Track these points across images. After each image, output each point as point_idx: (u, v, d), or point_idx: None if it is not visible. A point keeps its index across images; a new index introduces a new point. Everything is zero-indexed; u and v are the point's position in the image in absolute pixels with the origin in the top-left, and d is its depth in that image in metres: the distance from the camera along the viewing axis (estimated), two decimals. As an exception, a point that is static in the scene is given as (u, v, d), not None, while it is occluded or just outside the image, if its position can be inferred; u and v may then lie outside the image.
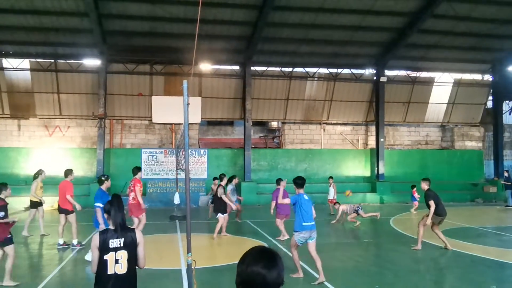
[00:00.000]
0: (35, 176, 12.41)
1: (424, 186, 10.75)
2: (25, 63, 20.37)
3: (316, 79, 22.94)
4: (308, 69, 22.55)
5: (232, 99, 22.19)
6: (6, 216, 6.98)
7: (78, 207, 10.50)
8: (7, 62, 20.30)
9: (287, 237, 11.35)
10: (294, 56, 21.21)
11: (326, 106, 23.45)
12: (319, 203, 20.37)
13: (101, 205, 7.81)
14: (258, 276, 1.84)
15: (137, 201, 10.32)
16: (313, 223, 7.47)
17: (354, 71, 22.88)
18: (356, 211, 14.22)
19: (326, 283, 7.23)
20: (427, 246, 10.68)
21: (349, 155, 23.61)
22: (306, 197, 7.61)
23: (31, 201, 12.35)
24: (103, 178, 8.92)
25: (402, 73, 23.55)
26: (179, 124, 20.91)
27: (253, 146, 22.35)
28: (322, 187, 21.35)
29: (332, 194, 16.96)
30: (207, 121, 23.92)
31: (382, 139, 22.28)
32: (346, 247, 10.65)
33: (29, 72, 20.50)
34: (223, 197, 11.73)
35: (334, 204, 15.72)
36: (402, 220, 15.79)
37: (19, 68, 20.34)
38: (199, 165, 21.25)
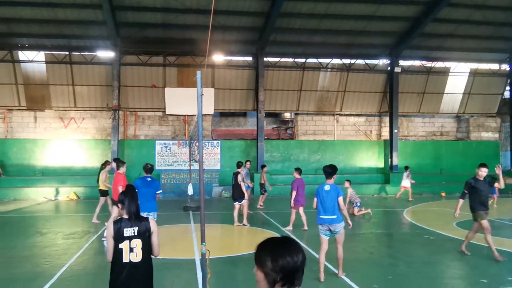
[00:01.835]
0: (102, 167, 12.80)
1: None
2: (41, 55, 20.60)
3: (329, 69, 22.78)
4: (321, 60, 22.40)
5: (245, 90, 22.17)
6: None
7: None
8: (23, 55, 20.55)
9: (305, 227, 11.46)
10: (307, 46, 21.07)
11: (339, 97, 23.30)
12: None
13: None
14: (302, 265, 1.94)
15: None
16: (332, 216, 6.89)
17: (368, 61, 22.68)
18: (352, 204, 13.89)
19: (342, 276, 7.23)
20: (442, 238, 10.62)
21: (363, 146, 23.48)
22: (327, 188, 7.03)
23: (100, 190, 12.74)
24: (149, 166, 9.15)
25: (416, 63, 23.27)
26: (192, 115, 21.02)
27: (266, 137, 22.35)
28: (336, 179, 21.29)
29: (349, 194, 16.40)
30: (220, 113, 23.95)
31: (396, 130, 22.10)
32: (359, 239, 10.63)
33: (44, 64, 20.73)
34: (242, 184, 11.83)
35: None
36: (416, 211, 15.69)
37: (34, 60, 20.57)
38: (212, 156, 21.36)
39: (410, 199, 18.55)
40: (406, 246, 9.95)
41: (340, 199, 6.96)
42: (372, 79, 23.12)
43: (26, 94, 21.09)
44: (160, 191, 9.15)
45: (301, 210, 11.50)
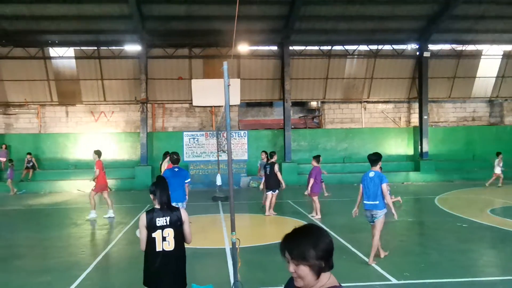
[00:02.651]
0: (164, 158, 13.25)
1: None
2: (70, 51, 21.06)
3: (355, 56, 22.44)
4: (347, 47, 22.06)
5: (270, 80, 22.11)
6: None
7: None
8: (53, 51, 21.06)
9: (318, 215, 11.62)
10: (332, 34, 20.77)
11: (366, 84, 22.95)
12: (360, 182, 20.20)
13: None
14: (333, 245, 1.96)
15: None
16: (374, 202, 7.11)
17: (396, 47, 22.19)
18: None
19: (372, 264, 7.19)
20: (476, 225, 10.40)
21: (391, 133, 23.10)
22: (371, 174, 7.24)
23: None
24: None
25: (446, 47, 22.59)
26: (219, 106, 21.14)
27: (292, 127, 22.28)
28: (363, 166, 21.08)
29: None
30: (246, 103, 24.01)
31: (425, 116, 21.63)
32: (389, 227, 10.50)
33: (74, 60, 21.20)
34: (279, 174, 11.92)
35: None
36: (448, 198, 15.37)
37: (64, 56, 21.06)
38: (240, 146, 21.44)
39: (500, 184, 18.23)
40: (438, 234, 9.79)
41: (384, 186, 7.08)
42: (400, 64, 22.64)
43: (58, 89, 21.64)
44: (189, 179, 9.29)
45: (316, 198, 11.65)
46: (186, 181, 9.12)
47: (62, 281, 6.56)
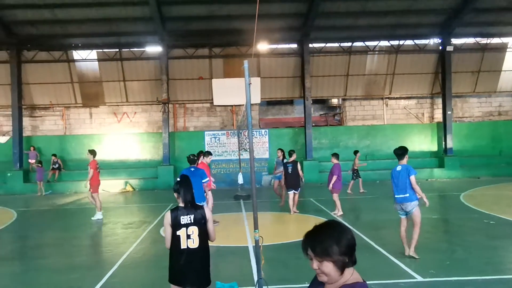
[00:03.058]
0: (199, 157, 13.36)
1: None
2: (93, 54, 21.43)
3: (376, 52, 22.17)
4: (368, 43, 21.82)
5: (291, 78, 22.05)
6: None
7: (213, 186, 11.05)
8: (77, 54, 21.46)
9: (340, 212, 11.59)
10: (352, 30, 20.58)
11: (388, 80, 22.66)
12: (384, 179, 20.00)
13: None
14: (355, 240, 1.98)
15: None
16: (404, 195, 7.21)
17: (417, 41, 21.83)
18: None
19: (395, 260, 7.12)
20: (504, 222, 10.17)
21: (414, 129, 22.76)
22: (399, 168, 7.38)
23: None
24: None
25: (470, 40, 22.11)
26: (240, 105, 21.22)
27: (313, 124, 22.17)
28: (387, 163, 20.88)
29: None
30: (266, 101, 24.00)
31: (449, 112, 21.25)
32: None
33: (97, 62, 21.57)
34: (301, 173, 11.90)
35: None
36: (474, 195, 15.07)
37: (88, 59, 21.44)
38: (261, 145, 21.46)
39: None
40: (464, 230, 9.62)
41: (412, 178, 7.20)
42: (422, 59, 22.27)
43: (82, 91, 22.05)
44: (206, 179, 9.41)
45: (337, 195, 11.63)
46: (203, 181, 9.23)
47: (89, 278, 6.70)
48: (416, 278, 6.28)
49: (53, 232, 10.86)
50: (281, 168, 13.10)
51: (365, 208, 12.94)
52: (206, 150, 11.56)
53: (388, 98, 23.22)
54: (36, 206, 15.76)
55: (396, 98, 23.31)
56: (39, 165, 19.50)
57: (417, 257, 7.19)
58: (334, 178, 11.45)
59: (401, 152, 7.49)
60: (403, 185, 7.22)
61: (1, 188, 19.29)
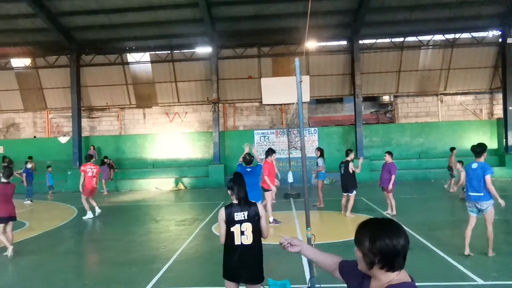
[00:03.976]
0: (267, 154, 13.65)
1: None
2: (146, 56, 22.16)
3: (430, 47, 21.42)
4: (421, 37, 21.12)
5: (340, 75, 21.76)
6: None
7: (277, 183, 11.11)
8: (131, 57, 22.27)
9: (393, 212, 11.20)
10: (405, 24, 19.97)
11: (443, 76, 21.83)
12: (439, 178, 19.30)
13: None
14: (403, 249, 1.87)
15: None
16: (479, 194, 6.97)
17: (475, 34, 20.87)
18: (463, 188, 12.80)
19: (452, 261, 6.85)
20: None
21: (471, 126, 21.76)
22: (475, 165, 7.11)
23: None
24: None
25: (533, 31, 20.85)
26: (289, 104, 21.17)
27: (364, 122, 21.76)
28: (441, 162, 20.15)
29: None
30: (316, 100, 23.81)
31: (511, 107, 20.12)
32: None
33: (150, 64, 22.28)
34: (356, 170, 11.29)
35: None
36: (538, 195, 14.19)
37: (141, 61, 22.19)
38: (310, 143, 21.29)
39: None
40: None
41: (488, 177, 6.93)
42: (480, 53, 21.26)
43: (135, 93, 22.87)
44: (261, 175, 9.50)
45: (392, 194, 11.27)
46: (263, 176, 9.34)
47: (145, 273, 6.93)
48: (477, 281, 6.01)
49: (111, 228, 11.34)
50: (318, 167, 13.22)
51: (419, 208, 12.53)
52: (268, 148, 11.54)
53: (443, 94, 22.37)
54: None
55: (452, 94, 22.40)
56: (104, 164, 20.05)
57: (490, 254, 7.09)
58: (393, 177, 11.04)
59: (479, 149, 7.15)
60: (478, 184, 6.98)
61: (62, 186, 20.31)
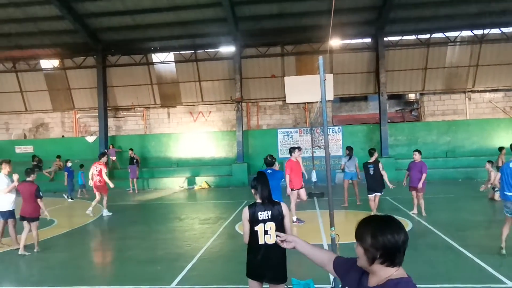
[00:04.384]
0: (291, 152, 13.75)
1: None
2: (170, 56, 22.39)
3: (458, 43, 20.95)
4: (448, 34, 20.67)
5: (365, 73, 21.51)
6: None
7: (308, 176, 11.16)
8: (155, 57, 22.55)
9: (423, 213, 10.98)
10: (431, 21, 19.58)
11: (471, 72, 21.32)
12: (466, 178, 18.89)
13: None
14: (403, 245, 1.94)
15: (103, 182, 13.05)
16: None
17: (505, 29, 20.29)
18: (494, 189, 12.43)
19: (481, 262, 6.69)
20: None
21: (501, 125, 21.16)
22: None
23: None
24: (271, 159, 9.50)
25: None
26: (312, 102, 21.05)
27: (389, 121, 21.45)
28: (469, 161, 19.74)
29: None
30: (340, 98, 23.59)
31: (542, 105, 19.53)
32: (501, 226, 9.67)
33: (174, 64, 22.51)
34: (384, 174, 10.91)
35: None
36: None
37: (165, 61, 22.44)
38: (334, 142, 21.15)
39: None
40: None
41: None
42: (510, 49, 20.66)
43: (160, 92, 23.15)
44: (283, 179, 9.25)
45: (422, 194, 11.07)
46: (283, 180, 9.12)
47: (171, 271, 7.01)
48: (506, 284, 5.85)
49: (136, 226, 11.50)
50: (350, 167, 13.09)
51: (446, 208, 12.28)
52: (292, 146, 11.37)
53: (471, 91, 21.84)
54: (121, 201, 16.75)
55: (480, 91, 21.86)
56: (131, 155, 20.17)
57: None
58: (424, 176, 10.83)
59: None
60: None
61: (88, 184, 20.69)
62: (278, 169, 9.69)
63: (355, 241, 2.05)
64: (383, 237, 1.92)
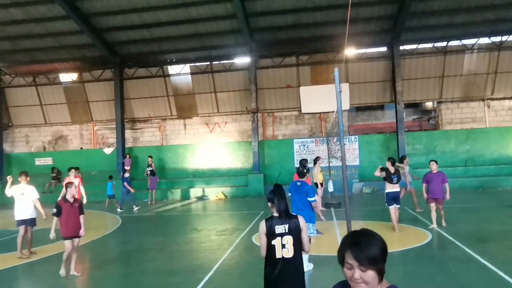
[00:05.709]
0: (315, 162, 13.89)
1: None
2: (186, 68, 22.63)
3: (475, 51, 20.70)
4: (465, 41, 20.46)
5: (381, 82, 21.38)
6: None
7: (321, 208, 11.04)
8: (171, 69, 22.81)
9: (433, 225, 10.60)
10: (448, 28, 19.43)
11: (489, 80, 21.02)
12: (487, 187, 18.55)
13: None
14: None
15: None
16: None
17: (523, 36, 20.00)
18: None
19: (506, 276, 6.53)
20: None
21: (522, 132, 20.78)
22: None
23: (314, 183, 13.27)
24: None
25: None
26: (328, 112, 20.99)
27: (406, 130, 21.24)
28: (489, 169, 19.41)
29: None
30: (356, 107, 23.48)
31: None
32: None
33: (190, 75, 22.72)
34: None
35: None
36: None
37: (181, 73, 22.68)
38: (351, 152, 21.01)
39: None
40: None
41: None
42: (529, 55, 20.35)
43: (176, 104, 23.36)
44: (313, 198, 7.48)
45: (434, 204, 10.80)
46: (309, 199, 7.45)
47: (188, 283, 7.01)
48: (531, 297, 5.70)
49: (153, 237, 11.55)
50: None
51: (466, 219, 12.04)
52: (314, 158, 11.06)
53: (490, 99, 21.51)
54: (139, 212, 16.86)
55: (500, 99, 21.52)
56: (151, 175, 19.89)
57: None
58: (447, 186, 10.60)
59: None
60: None
61: (105, 196, 20.88)
62: (308, 182, 8.12)
63: (358, 270, 1.86)
64: (385, 245, 1.89)
